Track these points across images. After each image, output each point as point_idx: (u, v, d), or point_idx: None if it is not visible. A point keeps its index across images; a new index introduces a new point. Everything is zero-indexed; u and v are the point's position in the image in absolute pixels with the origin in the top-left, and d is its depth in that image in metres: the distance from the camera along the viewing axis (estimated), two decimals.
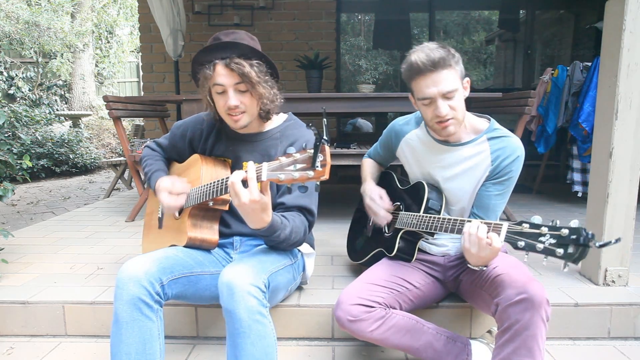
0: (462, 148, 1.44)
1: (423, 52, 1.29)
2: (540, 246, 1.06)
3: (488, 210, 1.44)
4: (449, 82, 1.29)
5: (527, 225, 1.10)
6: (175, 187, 1.46)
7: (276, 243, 1.39)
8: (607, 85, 1.75)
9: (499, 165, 1.40)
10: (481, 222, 1.21)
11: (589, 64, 3.17)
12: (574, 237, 1.01)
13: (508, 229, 1.14)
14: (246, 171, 1.15)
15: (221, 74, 1.36)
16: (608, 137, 1.73)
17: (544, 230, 1.06)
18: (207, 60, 1.38)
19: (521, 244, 1.10)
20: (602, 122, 1.78)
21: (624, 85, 1.68)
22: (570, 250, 1.02)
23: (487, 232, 1.18)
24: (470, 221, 1.24)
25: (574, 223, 1.03)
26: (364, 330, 1.33)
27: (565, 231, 1.02)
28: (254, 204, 1.17)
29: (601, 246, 1.00)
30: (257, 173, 1.13)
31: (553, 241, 1.04)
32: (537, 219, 1.10)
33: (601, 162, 1.78)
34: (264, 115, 1.49)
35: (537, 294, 1.18)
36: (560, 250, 1.03)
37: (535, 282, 1.22)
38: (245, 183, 1.16)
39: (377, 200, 1.57)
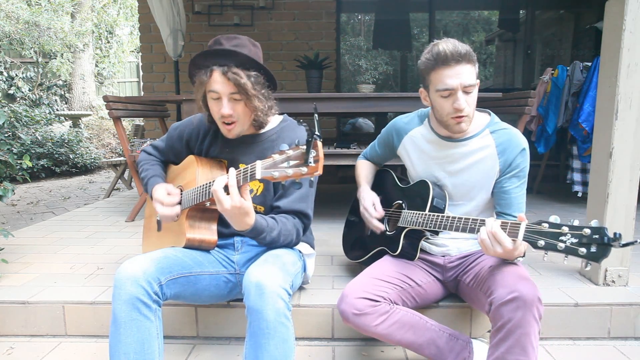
0: (467, 143, 1.46)
1: (449, 43, 1.30)
2: (561, 245, 1.07)
3: (512, 206, 1.45)
4: (470, 76, 1.31)
5: (547, 225, 1.10)
6: (167, 200, 1.47)
7: (264, 244, 1.41)
8: (607, 85, 1.75)
9: (507, 158, 1.42)
10: (496, 221, 1.20)
11: (589, 64, 3.17)
12: (596, 236, 1.02)
13: (526, 228, 1.14)
14: (228, 177, 1.19)
15: (217, 81, 1.35)
16: (608, 137, 1.73)
17: (565, 229, 1.07)
18: (205, 65, 1.36)
19: (541, 243, 1.10)
20: (602, 122, 1.78)
21: (624, 85, 1.68)
22: (593, 249, 1.03)
23: (505, 231, 1.18)
24: (483, 221, 1.24)
25: (595, 223, 1.04)
26: (368, 324, 1.32)
27: (587, 231, 1.03)
28: (236, 209, 1.20)
29: (624, 245, 1.00)
30: (238, 177, 1.17)
31: (575, 240, 1.05)
32: (555, 219, 1.10)
33: (601, 162, 1.78)
34: (257, 125, 1.49)
35: (528, 293, 1.18)
36: (583, 250, 1.03)
37: (526, 281, 1.22)
38: (227, 189, 1.19)
39: (369, 209, 1.59)
